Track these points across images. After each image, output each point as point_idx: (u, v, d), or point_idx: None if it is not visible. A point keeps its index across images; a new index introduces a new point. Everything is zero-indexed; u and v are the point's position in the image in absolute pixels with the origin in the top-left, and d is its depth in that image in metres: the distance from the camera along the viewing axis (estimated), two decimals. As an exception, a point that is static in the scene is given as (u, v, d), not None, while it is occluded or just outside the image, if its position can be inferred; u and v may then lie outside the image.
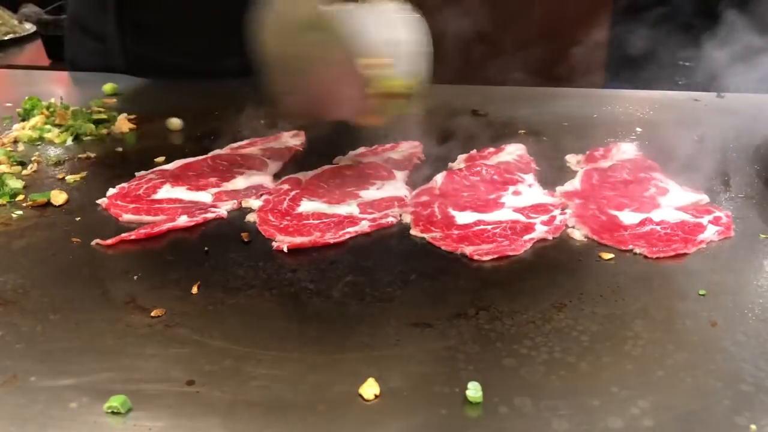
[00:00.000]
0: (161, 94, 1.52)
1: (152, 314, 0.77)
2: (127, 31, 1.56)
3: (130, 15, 1.54)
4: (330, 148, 1.22)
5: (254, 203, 1.03)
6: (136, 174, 1.11)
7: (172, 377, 0.68)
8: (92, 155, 1.19)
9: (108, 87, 1.48)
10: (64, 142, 1.22)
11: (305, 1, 0.97)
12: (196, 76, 1.49)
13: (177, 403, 0.65)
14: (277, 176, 1.13)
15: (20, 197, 1.03)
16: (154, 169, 1.13)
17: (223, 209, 1.01)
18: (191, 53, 1.37)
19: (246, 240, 0.93)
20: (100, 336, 0.74)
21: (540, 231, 0.94)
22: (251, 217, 0.99)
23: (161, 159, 1.17)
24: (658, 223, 0.95)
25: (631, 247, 0.91)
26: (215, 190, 1.06)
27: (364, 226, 0.96)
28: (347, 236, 0.94)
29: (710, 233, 0.93)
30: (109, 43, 1.57)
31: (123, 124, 1.26)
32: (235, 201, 1.03)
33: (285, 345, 0.73)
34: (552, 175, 1.13)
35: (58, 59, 2.42)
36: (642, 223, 0.95)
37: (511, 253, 0.90)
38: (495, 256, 0.89)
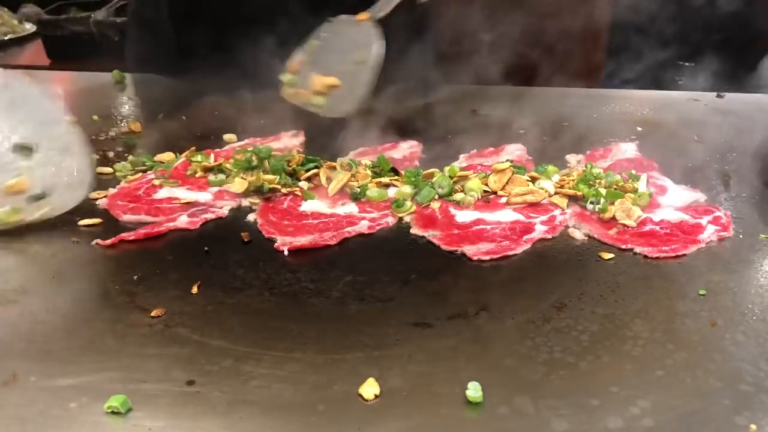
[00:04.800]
0: (161, 93, 1.52)
1: (152, 314, 0.77)
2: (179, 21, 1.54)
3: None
4: (329, 147, 1.21)
5: (254, 203, 1.03)
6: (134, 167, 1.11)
7: (172, 377, 0.68)
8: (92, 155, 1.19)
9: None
10: None
11: None
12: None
13: (177, 403, 0.65)
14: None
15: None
16: (155, 169, 1.13)
17: (224, 209, 1.01)
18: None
19: (246, 240, 0.93)
20: (100, 336, 0.74)
21: (540, 231, 0.94)
22: (251, 217, 0.99)
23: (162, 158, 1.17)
24: (658, 223, 0.95)
25: (631, 246, 0.91)
26: (215, 189, 1.06)
27: (364, 226, 0.96)
28: (347, 236, 0.94)
29: (710, 233, 0.93)
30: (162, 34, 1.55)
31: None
32: (235, 201, 1.03)
33: (285, 345, 0.73)
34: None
35: (57, 59, 2.42)
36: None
37: (511, 253, 0.90)
38: (495, 256, 0.89)
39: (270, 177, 1.04)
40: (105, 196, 1.04)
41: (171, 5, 1.51)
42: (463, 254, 0.90)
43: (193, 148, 1.16)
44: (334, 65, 1.21)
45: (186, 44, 1.50)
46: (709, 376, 0.68)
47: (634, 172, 1.06)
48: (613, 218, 0.96)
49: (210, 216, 0.99)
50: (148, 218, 0.98)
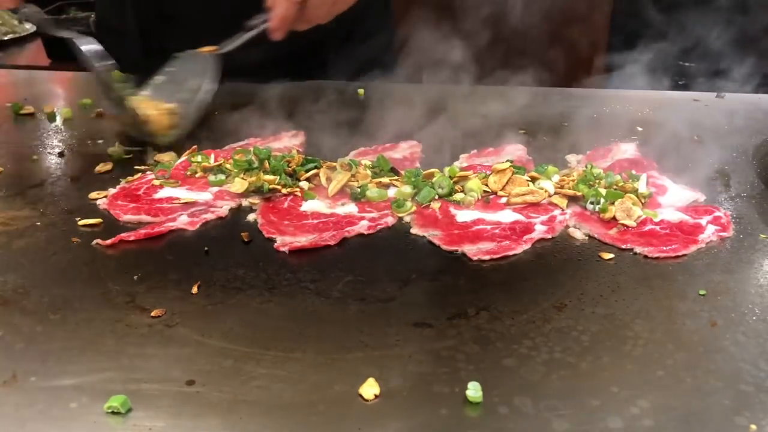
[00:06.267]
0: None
1: (152, 314, 0.77)
2: (147, 25, 1.55)
3: (148, 8, 1.53)
4: (329, 147, 1.21)
5: (254, 203, 1.03)
6: (135, 167, 1.12)
7: (172, 377, 0.68)
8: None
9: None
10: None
11: None
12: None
13: (177, 403, 0.65)
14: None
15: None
16: (154, 168, 1.13)
17: (224, 209, 1.01)
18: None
19: (246, 240, 0.93)
20: (100, 336, 0.74)
21: (540, 231, 0.94)
22: (251, 217, 0.99)
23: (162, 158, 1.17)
24: (658, 223, 0.95)
25: (631, 246, 0.91)
26: (215, 189, 1.06)
27: (364, 226, 0.96)
28: (347, 236, 0.94)
29: (710, 233, 0.93)
30: (128, 40, 1.57)
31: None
32: (235, 201, 1.03)
33: (285, 345, 0.73)
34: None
35: (58, 59, 2.43)
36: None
37: (511, 253, 0.90)
38: (495, 256, 0.89)
39: (270, 177, 1.05)
40: (105, 196, 1.04)
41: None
42: (463, 254, 0.90)
43: (194, 148, 1.16)
44: (173, 94, 1.29)
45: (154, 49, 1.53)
46: (709, 376, 0.68)
47: (634, 172, 1.07)
48: (613, 218, 0.96)
49: (210, 216, 0.99)
50: (148, 218, 0.98)
